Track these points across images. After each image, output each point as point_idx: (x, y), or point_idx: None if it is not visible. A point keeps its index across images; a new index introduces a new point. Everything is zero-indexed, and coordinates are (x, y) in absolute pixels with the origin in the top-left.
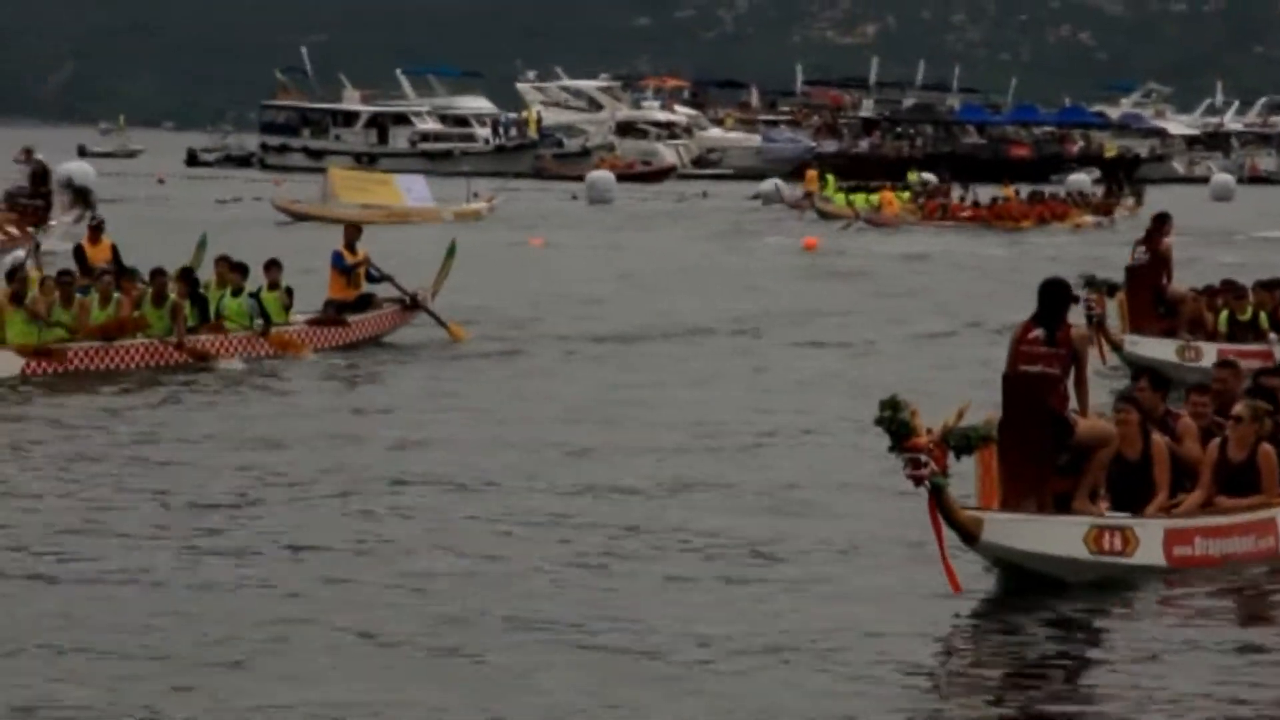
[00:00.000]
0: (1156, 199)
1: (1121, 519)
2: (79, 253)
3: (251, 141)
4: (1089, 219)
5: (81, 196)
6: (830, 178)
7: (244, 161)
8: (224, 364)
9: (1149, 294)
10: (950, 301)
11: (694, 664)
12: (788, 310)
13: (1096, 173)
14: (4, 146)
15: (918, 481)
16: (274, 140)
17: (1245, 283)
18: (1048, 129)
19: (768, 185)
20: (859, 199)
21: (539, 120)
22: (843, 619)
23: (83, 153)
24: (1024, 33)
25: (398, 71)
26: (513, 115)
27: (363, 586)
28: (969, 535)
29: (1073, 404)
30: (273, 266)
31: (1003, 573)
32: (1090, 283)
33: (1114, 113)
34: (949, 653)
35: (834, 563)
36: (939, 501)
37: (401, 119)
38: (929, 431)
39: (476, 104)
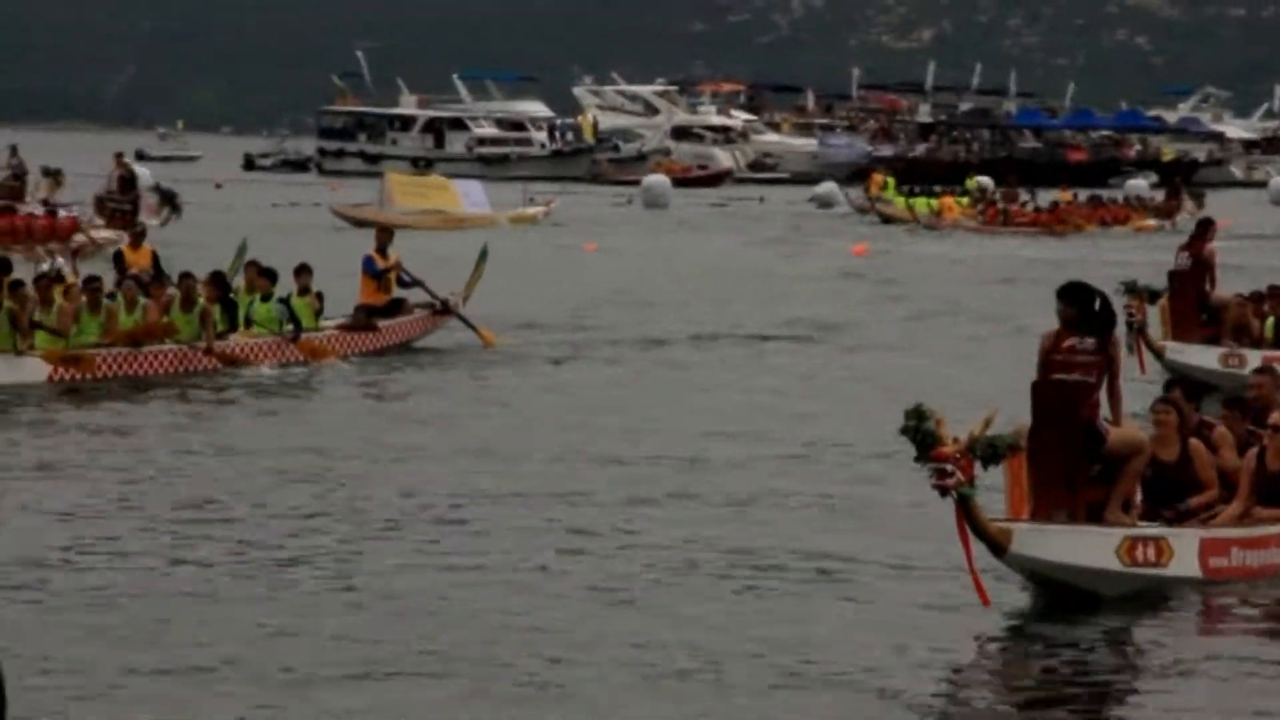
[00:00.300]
0: (1215, 203)
1: (1156, 530)
2: (119, 258)
3: (309, 146)
4: (1151, 222)
5: (168, 200)
6: (890, 180)
7: (301, 166)
8: (254, 370)
9: (1192, 300)
10: (1005, 307)
11: (716, 677)
12: (837, 317)
13: (1154, 177)
14: (66, 151)
15: (944, 492)
16: (331, 145)
17: None
18: (1105, 133)
19: (823, 189)
20: (919, 203)
21: (595, 125)
22: (869, 632)
23: (141, 157)
24: (1081, 37)
25: (454, 76)
26: (569, 120)
27: (409, 600)
28: (997, 547)
29: (1104, 412)
30: (303, 271)
31: (1033, 585)
32: (1131, 289)
33: (1171, 117)
34: (977, 667)
35: (862, 575)
36: (966, 512)
37: (458, 124)
38: (955, 440)
39: (533, 108)
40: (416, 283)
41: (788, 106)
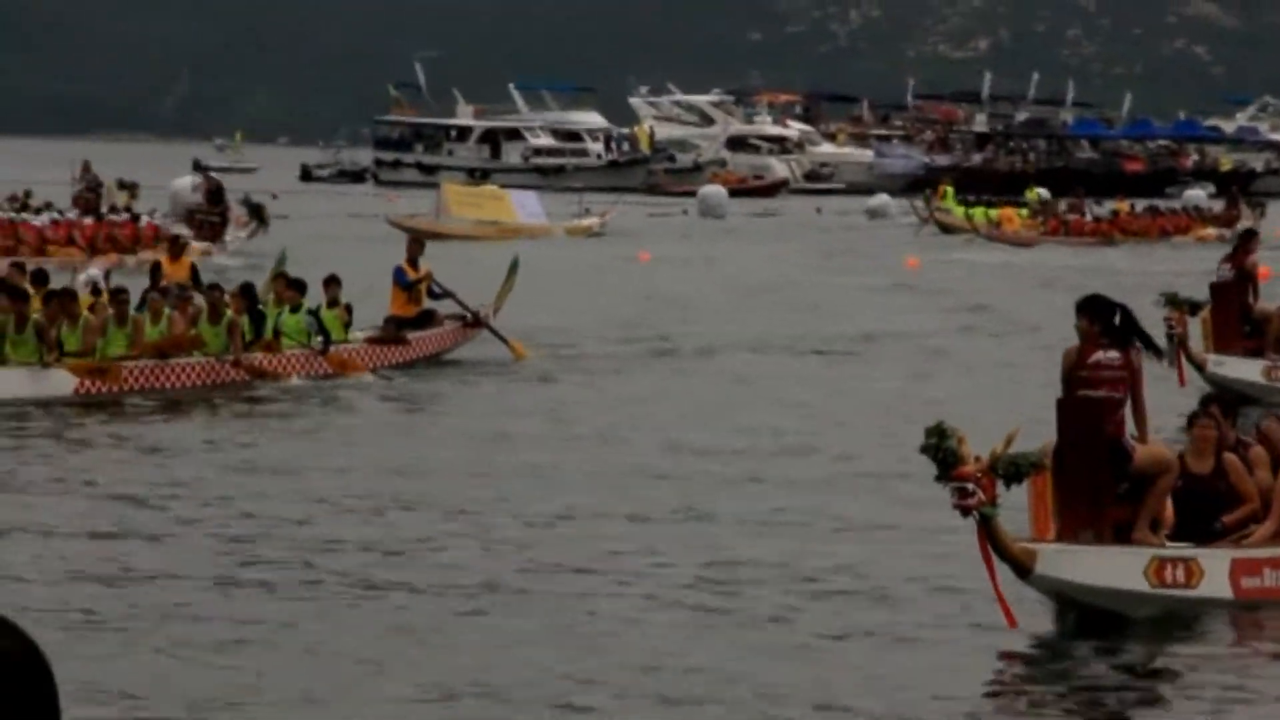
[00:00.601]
0: (1275, 213)
1: (1185, 550)
2: (156, 270)
3: (365, 157)
4: (1211, 232)
5: (256, 213)
6: (949, 190)
7: (358, 177)
8: (283, 382)
9: (1234, 312)
10: (1063, 320)
11: (731, 698)
12: (886, 329)
13: (1212, 188)
14: (126, 162)
15: (965, 512)
16: (387, 156)
17: None
18: (1162, 143)
19: (878, 202)
20: (978, 213)
21: (651, 135)
22: (895, 656)
23: (198, 167)
24: (1138, 46)
25: (511, 86)
26: (625, 130)
27: (436, 620)
28: (1021, 568)
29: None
30: (332, 283)
31: (1061, 607)
32: (1171, 301)
33: (1229, 126)
34: (1004, 691)
35: (887, 597)
36: (988, 532)
37: (514, 134)
38: (977, 459)
39: (589, 119)
40: (448, 294)
41: (843, 116)
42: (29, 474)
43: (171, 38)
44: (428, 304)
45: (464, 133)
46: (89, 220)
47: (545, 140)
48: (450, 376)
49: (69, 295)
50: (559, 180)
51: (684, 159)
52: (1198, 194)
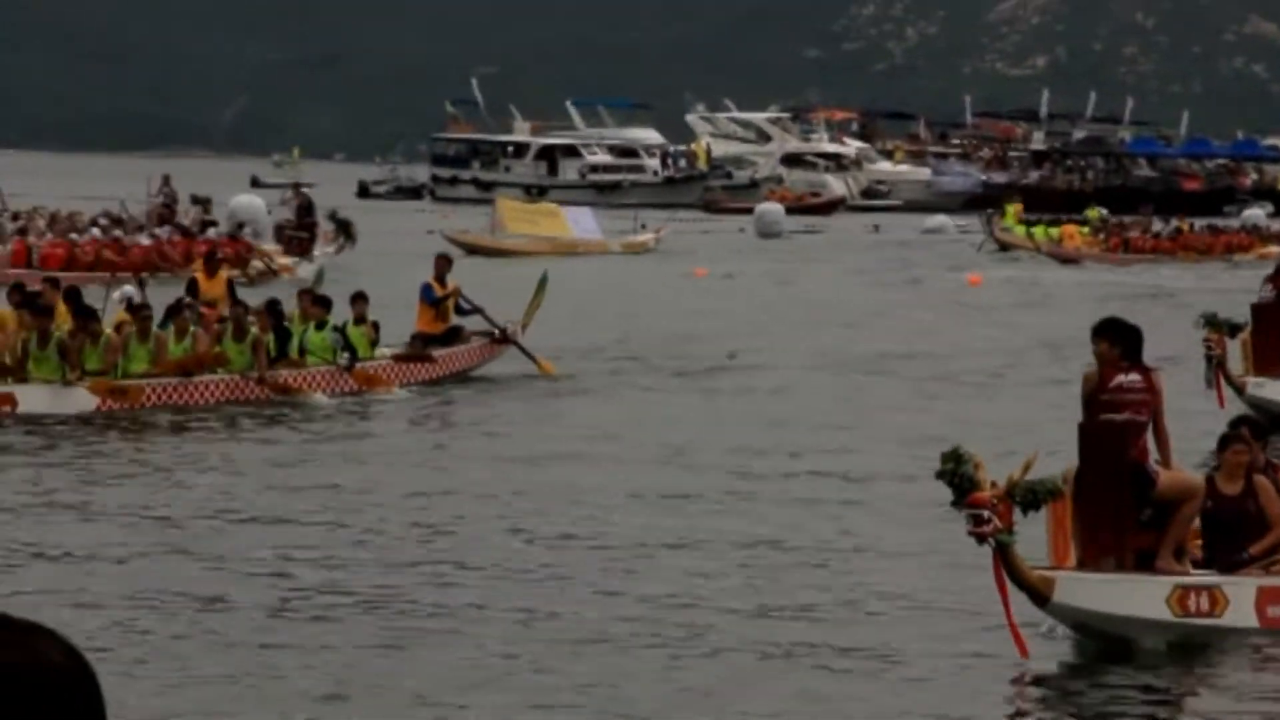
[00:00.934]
0: None
1: (1210, 578)
2: (193, 286)
3: (422, 173)
4: (1275, 249)
5: (344, 228)
6: (1010, 209)
7: (414, 193)
8: (308, 399)
9: (1275, 334)
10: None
11: None
12: (943, 348)
13: (1270, 206)
14: (187, 178)
15: (980, 539)
16: (444, 172)
17: None
18: (1220, 162)
19: (936, 222)
20: (1039, 231)
21: (708, 152)
22: (904, 687)
23: (255, 184)
24: (1197, 64)
25: (568, 103)
26: (681, 147)
27: (470, 642)
28: (1039, 596)
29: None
30: (359, 300)
31: (1079, 636)
32: (1210, 322)
33: None
34: None
35: (897, 623)
36: (1004, 560)
37: (571, 151)
38: (994, 485)
39: (646, 135)
40: (476, 310)
41: (901, 134)
42: (51, 492)
43: (229, 55)
44: (455, 320)
45: (521, 149)
46: (199, 237)
47: (602, 157)
48: (477, 393)
49: (90, 313)
50: (615, 197)
51: (740, 176)
52: (1257, 213)
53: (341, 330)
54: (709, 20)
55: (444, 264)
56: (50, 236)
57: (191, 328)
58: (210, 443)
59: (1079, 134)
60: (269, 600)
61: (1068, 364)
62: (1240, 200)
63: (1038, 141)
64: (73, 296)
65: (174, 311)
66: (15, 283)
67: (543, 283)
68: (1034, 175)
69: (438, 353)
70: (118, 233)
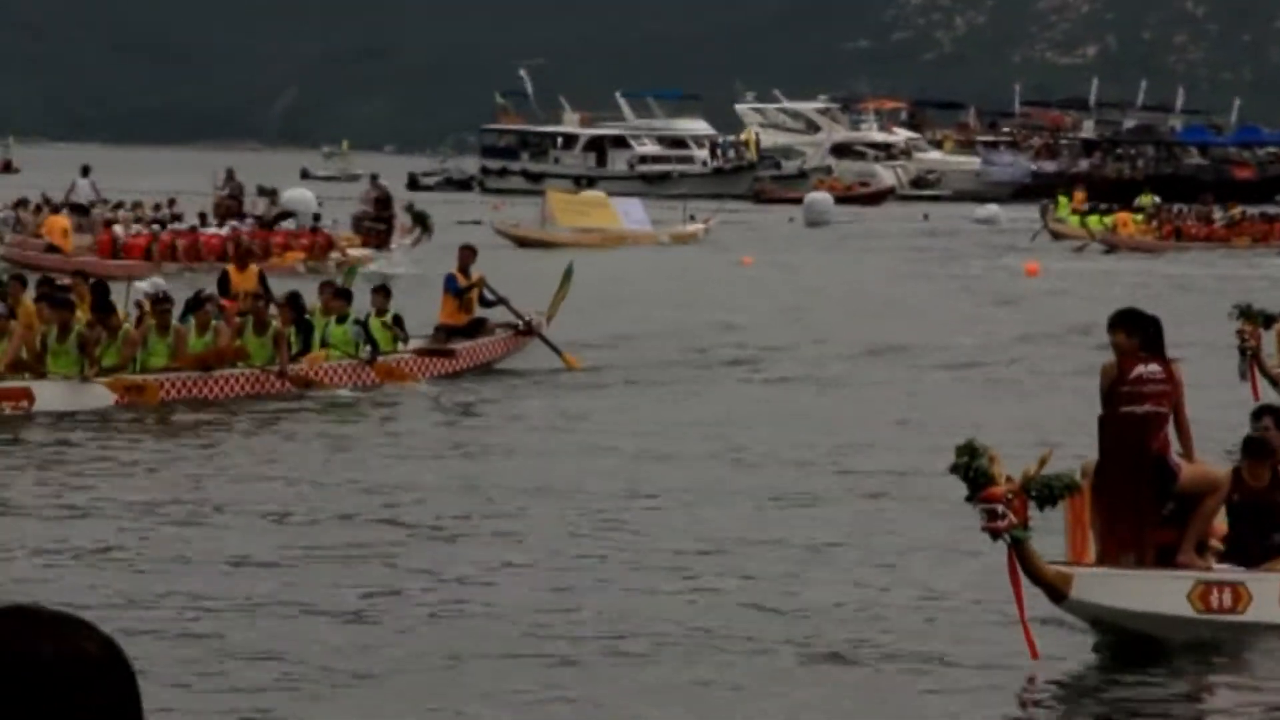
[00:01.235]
0: None
1: (1232, 573)
2: (224, 280)
3: (472, 165)
4: None
5: (420, 221)
6: (1063, 199)
7: (464, 185)
8: (330, 393)
9: None
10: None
11: None
12: (995, 340)
13: None
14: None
15: (995, 534)
16: (494, 164)
17: None
18: (1271, 150)
19: (986, 212)
20: (1093, 220)
21: (757, 142)
22: (911, 687)
23: (305, 176)
24: (1247, 53)
25: (617, 94)
26: (730, 137)
27: (496, 642)
28: (1056, 592)
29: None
30: (380, 293)
31: (1092, 635)
32: (1245, 313)
33: None
34: None
35: (907, 620)
36: (1019, 556)
37: (620, 142)
38: (1009, 480)
39: (695, 126)
40: (500, 301)
41: (950, 123)
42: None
43: (279, 47)
44: (480, 312)
45: (570, 140)
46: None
47: (651, 148)
48: (501, 386)
49: (109, 308)
50: (665, 188)
51: (789, 166)
52: None
53: (363, 323)
54: (758, 11)
55: (468, 255)
56: (138, 228)
57: (213, 321)
58: (230, 437)
59: (1129, 123)
60: (289, 596)
61: (1086, 358)
62: None
63: (1087, 130)
64: (97, 290)
65: (195, 305)
66: (42, 276)
67: (568, 274)
68: (1084, 164)
69: (460, 345)
70: (194, 223)
